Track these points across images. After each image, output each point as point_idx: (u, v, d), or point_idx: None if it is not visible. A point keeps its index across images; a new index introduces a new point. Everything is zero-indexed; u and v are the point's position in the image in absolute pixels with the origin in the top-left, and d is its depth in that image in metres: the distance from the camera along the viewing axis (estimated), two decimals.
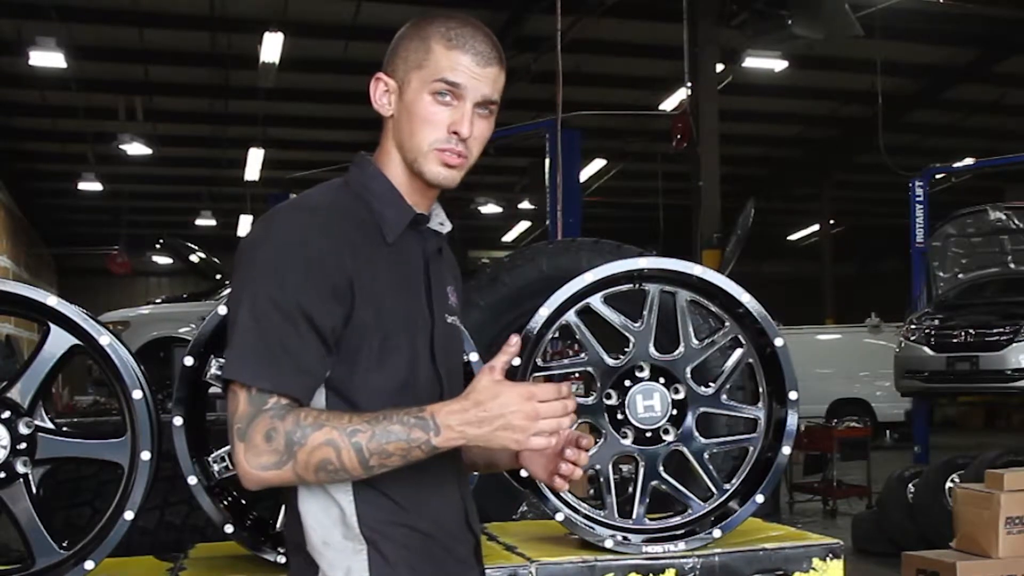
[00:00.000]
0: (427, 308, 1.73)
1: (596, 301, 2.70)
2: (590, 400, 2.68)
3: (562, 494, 2.65)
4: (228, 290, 1.63)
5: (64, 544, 2.40)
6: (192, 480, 2.41)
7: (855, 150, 19.68)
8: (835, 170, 21.68)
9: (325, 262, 1.60)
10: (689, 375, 2.68)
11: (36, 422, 2.36)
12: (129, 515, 2.36)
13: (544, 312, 2.62)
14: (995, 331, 8.52)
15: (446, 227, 1.81)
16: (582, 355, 2.71)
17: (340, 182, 1.76)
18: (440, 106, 1.68)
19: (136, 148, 16.67)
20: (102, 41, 14.28)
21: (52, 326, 2.40)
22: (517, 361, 2.62)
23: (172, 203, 24.25)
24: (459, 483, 1.76)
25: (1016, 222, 8.99)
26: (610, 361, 2.67)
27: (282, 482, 1.56)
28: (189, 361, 2.40)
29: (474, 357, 2.55)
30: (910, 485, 7.55)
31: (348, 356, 1.64)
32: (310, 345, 1.59)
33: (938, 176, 12.73)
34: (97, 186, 20.11)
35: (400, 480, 1.63)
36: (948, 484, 7.02)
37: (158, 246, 16.66)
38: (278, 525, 2.49)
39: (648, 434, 2.66)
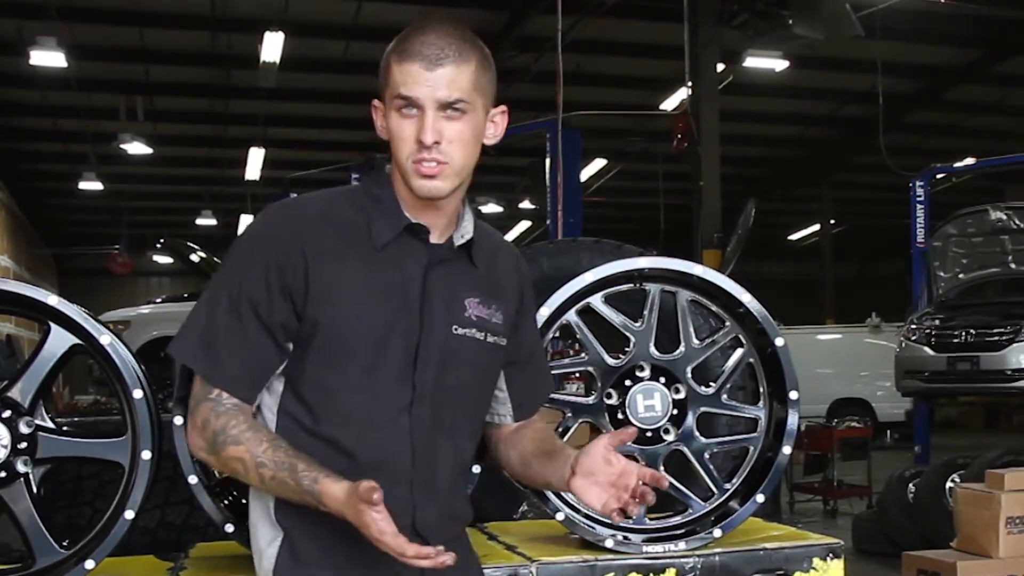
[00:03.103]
0: (418, 317, 1.72)
1: (597, 301, 2.70)
2: (591, 400, 2.67)
3: (563, 494, 2.64)
4: None
5: (65, 543, 2.39)
6: (193, 479, 2.41)
7: (856, 150, 19.68)
8: (836, 170, 21.67)
9: (281, 260, 1.68)
10: (690, 375, 2.68)
11: (37, 421, 2.36)
12: (130, 514, 2.35)
13: (545, 312, 2.62)
14: (996, 331, 8.51)
15: (462, 239, 1.80)
16: (583, 355, 2.71)
17: (354, 186, 1.84)
18: (406, 120, 1.70)
19: (137, 148, 16.68)
20: (103, 41, 14.28)
21: (53, 326, 2.40)
22: None
23: (173, 203, 24.26)
24: (416, 485, 1.73)
25: (1017, 222, 8.97)
26: (611, 361, 2.67)
27: (211, 465, 1.82)
28: None
29: None
30: (911, 485, 7.55)
31: (300, 353, 1.71)
32: (255, 339, 1.68)
33: (939, 176, 12.71)
34: (98, 186, 20.11)
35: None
36: (948, 484, 7.02)
37: (159, 246, 16.66)
38: None
39: (649, 434, 2.66)
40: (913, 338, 9.13)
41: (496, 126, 1.80)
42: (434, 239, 1.77)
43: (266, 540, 1.74)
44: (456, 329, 1.76)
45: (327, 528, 1.68)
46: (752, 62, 13.88)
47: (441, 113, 1.68)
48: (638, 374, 2.66)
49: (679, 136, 11.52)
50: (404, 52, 1.69)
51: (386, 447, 1.71)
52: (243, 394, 1.71)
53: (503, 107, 1.81)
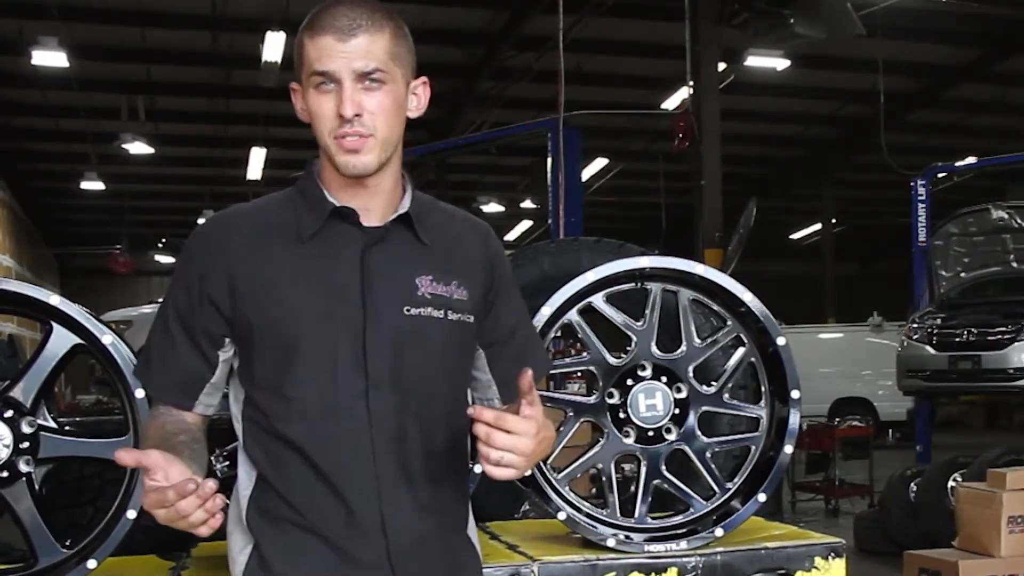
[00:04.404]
0: (360, 302, 1.68)
1: (598, 300, 2.70)
2: (592, 399, 2.67)
3: (564, 493, 2.64)
4: None
5: (66, 543, 2.39)
6: None
7: (857, 149, 19.68)
8: (837, 169, 21.67)
9: (205, 266, 1.70)
10: (691, 374, 2.67)
11: (39, 421, 2.36)
12: (131, 514, 2.35)
13: (546, 311, 2.62)
14: (997, 330, 8.51)
15: (395, 215, 1.75)
16: (584, 354, 2.70)
17: (288, 188, 1.83)
18: (324, 96, 1.67)
19: (138, 147, 16.70)
20: (104, 40, 14.29)
21: (54, 325, 2.40)
22: None
23: (174, 202, 24.27)
24: (381, 476, 1.68)
25: (1018, 221, 8.97)
26: (612, 360, 2.67)
27: None
28: None
29: None
30: (912, 484, 7.55)
31: (246, 355, 1.72)
32: (181, 349, 1.72)
33: (940, 175, 12.67)
34: (99, 185, 20.13)
35: (297, 481, 1.68)
36: (950, 483, 7.03)
37: (160, 245, 16.68)
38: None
39: (650, 433, 2.66)
40: (915, 337, 9.12)
41: (419, 98, 1.77)
42: (372, 222, 1.74)
43: (238, 548, 1.74)
44: (408, 310, 1.71)
45: (296, 536, 1.67)
46: (753, 61, 13.88)
47: (359, 84, 1.65)
48: (640, 373, 2.66)
49: (680, 135, 11.52)
50: (316, 27, 1.66)
51: (341, 439, 1.67)
52: (177, 403, 1.75)
53: (424, 78, 1.78)
